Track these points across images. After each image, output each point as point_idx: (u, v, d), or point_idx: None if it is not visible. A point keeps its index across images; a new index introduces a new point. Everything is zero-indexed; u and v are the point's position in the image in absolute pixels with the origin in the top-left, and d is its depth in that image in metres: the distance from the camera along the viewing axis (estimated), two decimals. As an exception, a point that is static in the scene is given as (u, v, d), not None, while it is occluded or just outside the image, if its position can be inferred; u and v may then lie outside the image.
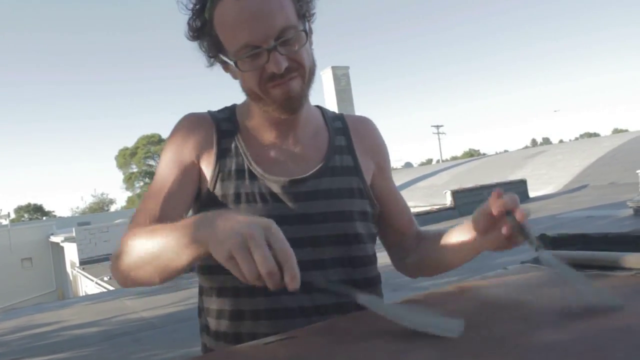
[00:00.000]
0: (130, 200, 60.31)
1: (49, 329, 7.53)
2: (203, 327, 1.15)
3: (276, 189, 1.05)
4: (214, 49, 1.02)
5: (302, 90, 1.01)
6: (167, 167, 1.07)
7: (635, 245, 1.08)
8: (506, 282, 1.04)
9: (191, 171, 1.07)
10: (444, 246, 1.09)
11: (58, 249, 29.53)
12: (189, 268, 0.87)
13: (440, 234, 1.12)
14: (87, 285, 18.04)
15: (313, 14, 1.04)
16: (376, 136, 1.24)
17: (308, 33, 1.01)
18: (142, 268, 0.91)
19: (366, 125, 1.24)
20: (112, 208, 64.25)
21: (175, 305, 7.83)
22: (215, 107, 1.15)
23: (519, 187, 16.99)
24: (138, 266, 0.91)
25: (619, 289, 0.88)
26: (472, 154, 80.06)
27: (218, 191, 1.05)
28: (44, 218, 57.75)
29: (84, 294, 17.37)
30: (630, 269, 0.97)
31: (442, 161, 52.59)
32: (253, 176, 1.06)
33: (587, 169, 20.20)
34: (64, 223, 38.10)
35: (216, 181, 1.05)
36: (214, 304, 1.09)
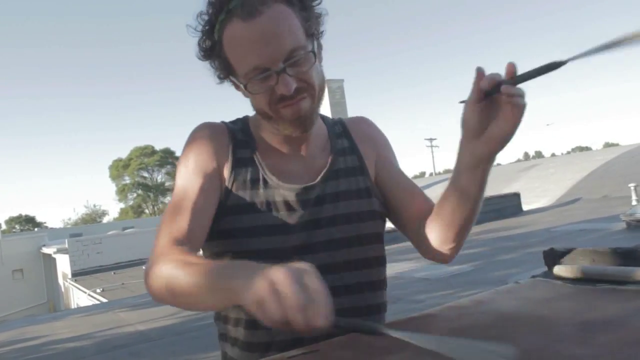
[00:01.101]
0: (123, 212, 60.06)
1: (42, 342, 7.47)
2: (221, 334, 1.16)
3: (290, 196, 1.07)
4: (224, 70, 1.04)
5: (311, 109, 1.03)
6: (189, 177, 1.06)
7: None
8: (519, 296, 1.05)
9: (214, 179, 1.07)
10: (449, 191, 1.04)
11: (50, 261, 29.31)
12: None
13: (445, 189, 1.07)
14: (80, 297, 17.90)
15: (322, 31, 1.06)
16: (373, 129, 1.26)
17: (317, 52, 1.02)
18: (178, 298, 0.91)
19: (363, 122, 1.26)
20: (105, 220, 63.86)
21: (171, 318, 7.79)
22: (209, 119, 1.16)
23: (513, 201, 17.08)
24: (174, 296, 0.91)
25: (629, 303, 0.90)
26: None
27: (232, 200, 1.06)
28: (36, 229, 57.30)
29: (76, 306, 17.23)
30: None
31: (436, 174, 52.72)
32: (268, 185, 1.07)
33: (579, 182, 20.32)
34: (55, 234, 37.84)
35: (230, 190, 1.07)
36: (231, 312, 1.10)
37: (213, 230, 1.06)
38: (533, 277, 1.20)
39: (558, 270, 1.16)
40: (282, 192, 1.07)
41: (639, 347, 0.68)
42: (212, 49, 1.02)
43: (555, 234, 10.81)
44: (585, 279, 1.09)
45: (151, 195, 56.33)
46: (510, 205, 16.84)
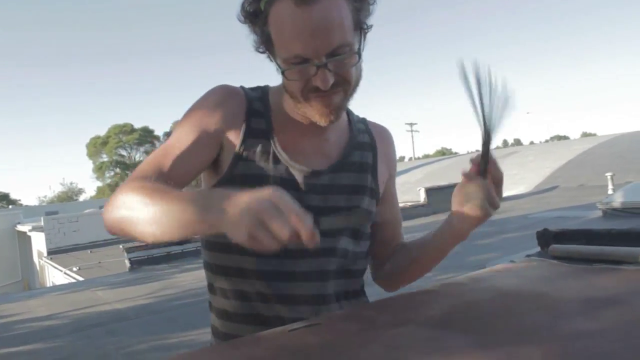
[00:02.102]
0: (100, 190, 59.38)
1: (17, 319, 7.38)
2: (213, 307, 1.14)
3: (298, 177, 1.06)
4: (264, 43, 1.01)
5: (342, 102, 1.01)
6: (187, 130, 1.05)
7: (637, 241, 1.11)
8: (517, 274, 1.06)
9: (212, 141, 1.05)
10: (424, 243, 1.14)
11: (25, 239, 28.89)
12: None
13: (420, 237, 1.17)
14: (55, 275, 17.72)
15: (370, 26, 1.02)
16: (394, 147, 1.28)
17: (361, 52, 1.00)
18: (138, 225, 0.89)
19: (387, 134, 1.27)
20: (82, 198, 63.12)
21: (149, 297, 7.74)
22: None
23: (491, 187, 17.18)
24: (135, 222, 0.89)
25: (629, 283, 0.90)
26: (444, 153, 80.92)
27: (240, 169, 1.04)
28: (10, 207, 56.40)
29: (51, 285, 17.06)
30: (638, 263, 1.00)
31: (415, 159, 53.00)
32: (277, 161, 1.05)
33: (557, 170, 20.61)
34: (31, 212, 37.25)
35: (239, 159, 1.04)
36: (222, 282, 1.09)
37: None
38: (528, 256, 1.21)
39: (554, 249, 1.16)
40: (292, 171, 1.06)
41: (645, 323, 0.68)
42: (255, 15, 0.98)
43: (532, 220, 10.96)
44: (581, 259, 1.09)
45: (129, 173, 55.58)
46: (488, 191, 16.94)
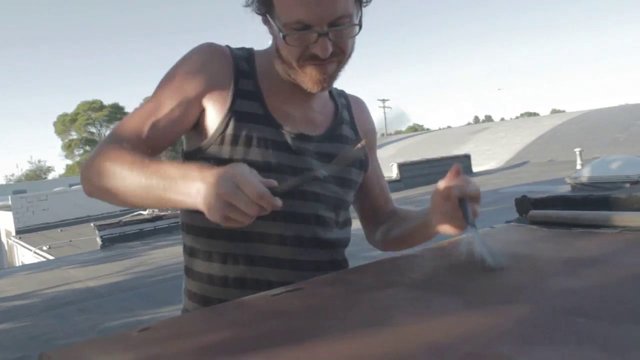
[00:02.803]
0: (70, 168, 58.31)
1: (-14, 299, 7.24)
2: (188, 270, 1.12)
3: (289, 140, 1.05)
4: (264, 6, 0.99)
5: (335, 73, 1.02)
6: (169, 93, 1.02)
7: (614, 206, 1.12)
8: (498, 239, 1.06)
9: (193, 104, 1.03)
10: (405, 226, 1.16)
11: (-9, 218, 28.29)
12: None
13: (409, 212, 1.19)
14: (25, 255, 17.41)
15: (370, 0, 1.02)
16: (369, 116, 1.30)
17: (360, 25, 1.00)
18: (117, 195, 0.94)
19: (363, 105, 1.29)
20: (50, 176, 61.88)
21: (122, 274, 7.67)
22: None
23: (463, 162, 17.42)
24: (114, 193, 0.94)
25: (607, 245, 0.91)
26: (416, 129, 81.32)
27: (230, 130, 1.02)
28: (-24, 185, 55.02)
29: (20, 264, 16.78)
30: (615, 227, 1.00)
31: (387, 134, 53.21)
32: (268, 122, 1.04)
33: (527, 146, 20.92)
34: (-3, 191, 36.45)
35: (229, 120, 1.02)
36: (205, 245, 1.07)
37: (205, 158, 1.02)
38: (507, 222, 1.21)
39: (533, 215, 1.16)
40: (282, 132, 1.05)
41: (628, 281, 0.69)
42: None
43: (503, 195, 11.12)
44: (560, 224, 1.10)
45: (99, 152, 54.44)
46: (461, 166, 17.18)
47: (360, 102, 1.28)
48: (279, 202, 0.81)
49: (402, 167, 16.10)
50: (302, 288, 0.80)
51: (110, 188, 0.94)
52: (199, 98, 1.03)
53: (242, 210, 0.80)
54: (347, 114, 1.21)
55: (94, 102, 52.05)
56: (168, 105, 1.01)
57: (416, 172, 15.98)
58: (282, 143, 1.04)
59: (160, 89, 1.03)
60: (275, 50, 1.03)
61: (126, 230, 12.30)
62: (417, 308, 0.66)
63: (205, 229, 1.05)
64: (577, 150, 14.50)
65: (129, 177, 0.91)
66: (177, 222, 13.28)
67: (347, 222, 1.17)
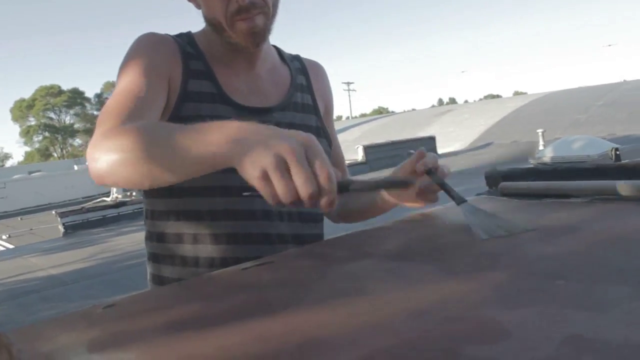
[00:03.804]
0: (29, 155, 56.79)
1: (-56, 289, 7.02)
2: (152, 254, 1.08)
3: (243, 116, 1.02)
4: None
5: (265, 25, 1.01)
6: (136, 74, 0.96)
7: (582, 177, 1.12)
8: (470, 209, 1.05)
9: (163, 82, 0.99)
10: (364, 197, 1.15)
11: (-53, 207, 27.37)
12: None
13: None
14: (-17, 244, 16.94)
15: None
16: (327, 81, 1.27)
17: None
18: (135, 169, 0.77)
19: (320, 69, 1.27)
20: (8, 163, 60.14)
21: (86, 261, 7.53)
22: (117, 57, 1.06)
23: (428, 144, 17.61)
24: (132, 163, 0.77)
25: (579, 213, 0.91)
26: (381, 112, 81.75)
27: (186, 111, 0.99)
28: None
29: (-21, 254, 16.30)
30: (586, 196, 1.01)
31: (352, 118, 53.30)
32: (222, 100, 1.03)
33: (491, 127, 21.26)
34: (-47, 179, 35.25)
35: (184, 101, 1.00)
36: (169, 228, 1.03)
37: None
38: (478, 194, 1.21)
39: (504, 187, 1.16)
40: (238, 110, 1.03)
41: (603, 245, 0.68)
42: None
43: (466, 175, 11.27)
44: (531, 195, 1.09)
45: (59, 137, 53.36)
46: (425, 148, 17.35)
47: (317, 66, 1.26)
48: (334, 206, 0.65)
49: (367, 149, 16.20)
50: (272, 261, 0.78)
51: (126, 163, 0.77)
52: (165, 76, 0.99)
53: (295, 181, 0.62)
54: (304, 79, 1.18)
55: (52, 87, 50.64)
56: (144, 83, 0.95)
57: (381, 154, 16.10)
58: (238, 120, 1.01)
59: (125, 77, 0.97)
60: (205, 20, 1.03)
61: (89, 217, 12.08)
62: (393, 277, 0.64)
63: (173, 212, 1.02)
64: (539, 131, 14.78)
65: (146, 140, 0.76)
66: (142, 208, 13.08)
67: None
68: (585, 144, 10.16)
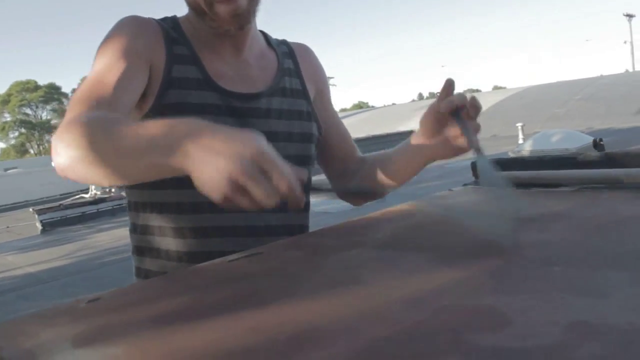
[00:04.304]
0: (4, 152, 55.80)
1: None
2: (137, 247, 1.05)
3: (234, 102, 0.99)
4: None
5: (249, 6, 0.96)
6: (113, 56, 0.93)
7: (568, 166, 1.12)
8: (459, 200, 1.05)
9: (143, 66, 0.95)
10: (388, 163, 1.10)
11: None
12: None
13: (383, 154, 1.14)
14: (-41, 242, 16.61)
15: None
16: (317, 62, 1.23)
17: None
18: (93, 166, 0.75)
19: (308, 50, 1.23)
20: (-17, 160, 59.03)
21: (65, 258, 7.42)
22: (94, 51, 0.99)
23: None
24: (89, 162, 0.75)
25: (567, 201, 0.91)
26: (361, 106, 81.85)
27: (170, 98, 0.95)
28: None
29: (-45, 252, 15.99)
30: (573, 185, 1.01)
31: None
32: (207, 86, 0.99)
33: (471, 122, 21.41)
34: None
35: (168, 87, 0.96)
36: (154, 220, 1.00)
37: None
38: (465, 185, 1.20)
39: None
40: (225, 95, 0.99)
41: (595, 232, 0.68)
42: None
43: (448, 170, 11.34)
44: (518, 184, 1.09)
45: (36, 133, 52.49)
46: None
47: (305, 49, 1.22)
48: (301, 205, 0.65)
49: (349, 144, 16.23)
50: (261, 253, 0.76)
51: (84, 157, 0.75)
52: (145, 60, 0.95)
53: (256, 197, 0.62)
54: (291, 63, 1.15)
55: (27, 82, 49.80)
56: (120, 67, 0.91)
57: (362, 149, 15.77)
58: (225, 107, 0.99)
59: (101, 59, 0.94)
60: (186, 4, 0.98)
61: (67, 214, 11.90)
62: (386, 266, 0.63)
63: (156, 204, 0.99)
64: (518, 125, 14.93)
65: (104, 139, 0.74)
66: (121, 204, 12.93)
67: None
68: (564, 137, 10.28)
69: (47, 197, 18.60)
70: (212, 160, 0.62)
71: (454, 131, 0.92)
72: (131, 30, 0.97)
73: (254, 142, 0.63)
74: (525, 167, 1.19)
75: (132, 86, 0.92)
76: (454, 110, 0.88)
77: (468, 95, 0.90)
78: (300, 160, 1.07)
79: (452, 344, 0.38)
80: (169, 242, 0.99)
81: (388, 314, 0.46)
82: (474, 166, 1.29)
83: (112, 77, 0.89)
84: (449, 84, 0.90)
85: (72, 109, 0.85)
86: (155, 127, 0.70)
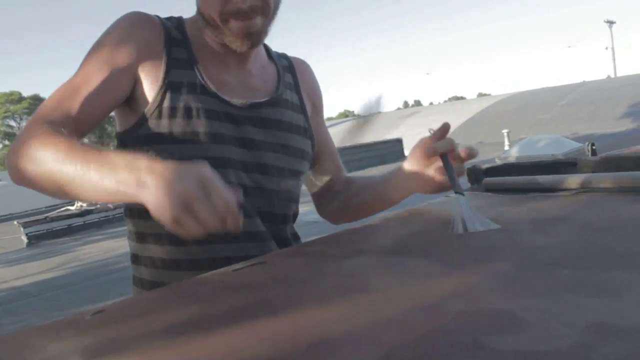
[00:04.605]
0: (-12, 165, 55.18)
1: None
2: (132, 255, 1.05)
3: (231, 109, 0.99)
4: None
5: (263, 27, 0.97)
6: (96, 65, 0.93)
7: (563, 171, 1.13)
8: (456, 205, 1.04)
9: (125, 77, 0.95)
10: (374, 188, 1.12)
11: None
12: None
13: (369, 178, 1.17)
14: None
15: None
16: (314, 78, 1.25)
17: None
18: (49, 184, 0.83)
19: (306, 66, 1.24)
20: (-34, 174, 58.35)
21: (51, 271, 7.33)
22: (79, 62, 1.00)
23: (395, 146, 17.78)
24: (45, 180, 0.82)
25: (565, 206, 0.91)
26: (346, 115, 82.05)
27: (167, 103, 0.95)
28: None
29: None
30: (570, 190, 1.01)
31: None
32: (206, 92, 0.98)
33: (457, 129, 21.57)
34: None
35: (165, 91, 0.95)
36: (150, 228, 0.99)
37: (141, 135, 0.95)
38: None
39: (488, 182, 1.16)
40: (222, 102, 0.99)
41: (599, 235, 0.68)
42: None
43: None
44: (516, 190, 1.10)
45: (20, 146, 51.90)
46: (393, 150, 17.51)
47: (304, 64, 1.23)
48: (241, 221, 0.72)
49: (336, 152, 16.26)
50: (264, 262, 0.75)
51: (41, 174, 0.82)
52: (131, 67, 0.95)
53: (200, 218, 0.69)
54: (291, 77, 1.15)
55: (11, 93, 49.36)
56: (98, 77, 0.92)
57: (349, 157, 16.17)
58: (223, 113, 0.98)
59: (86, 62, 0.95)
60: (198, 11, 0.98)
61: (54, 226, 11.77)
62: (393, 272, 0.62)
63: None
64: (504, 131, 15.07)
65: (63, 162, 0.79)
66: (108, 216, 12.82)
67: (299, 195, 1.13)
68: (549, 143, 10.39)
69: (32, 210, 18.39)
70: (164, 185, 0.69)
71: (439, 169, 0.96)
72: (129, 29, 0.97)
73: (200, 167, 0.71)
74: (520, 173, 1.20)
75: (108, 98, 0.94)
76: (441, 154, 0.93)
77: (468, 146, 0.95)
78: (293, 174, 1.08)
79: (475, 349, 0.38)
80: (166, 250, 0.98)
81: (405, 320, 0.46)
82: (469, 172, 1.29)
83: (89, 87, 0.91)
84: (445, 129, 0.96)
85: (37, 120, 0.89)
86: (117, 158, 0.77)
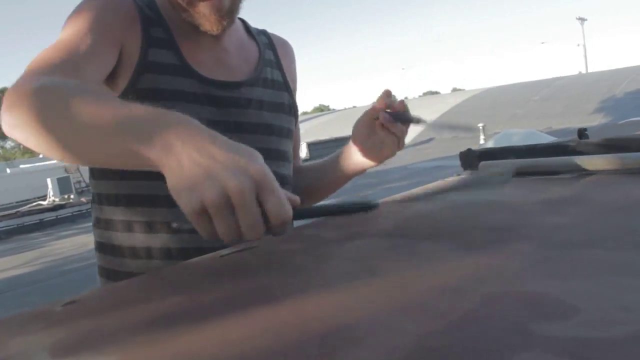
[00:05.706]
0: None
1: None
2: (98, 244, 0.97)
3: (213, 90, 0.93)
4: None
5: (232, 7, 0.91)
6: (84, 27, 0.83)
7: (561, 154, 1.09)
8: (458, 187, 0.99)
9: (115, 42, 0.86)
10: (321, 172, 1.11)
11: None
12: None
13: (314, 164, 1.16)
14: None
15: None
16: (294, 59, 1.19)
17: None
18: (49, 136, 0.65)
19: (288, 47, 1.18)
20: None
21: (23, 267, 7.14)
22: None
23: (373, 140, 17.79)
24: (44, 131, 0.64)
25: (571, 188, 0.87)
26: (322, 109, 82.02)
27: (145, 83, 0.88)
28: None
29: None
30: (572, 172, 0.97)
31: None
32: (186, 73, 0.92)
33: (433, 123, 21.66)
34: None
35: (143, 72, 0.88)
36: (119, 215, 0.92)
37: None
38: (458, 175, 1.16)
39: (485, 166, 1.11)
40: (204, 84, 0.93)
41: (614, 216, 0.63)
42: None
43: (412, 170, 11.44)
44: (518, 173, 1.05)
45: (-11, 140, 50.85)
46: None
47: (286, 44, 1.17)
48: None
49: (311, 146, 16.24)
50: (256, 246, 0.69)
51: (40, 122, 0.64)
52: (117, 37, 0.87)
53: (241, 226, 0.54)
54: (272, 54, 1.10)
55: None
56: (89, 38, 0.82)
57: (326, 151, 16.02)
58: (205, 95, 0.92)
59: (70, 28, 0.85)
60: None
61: (25, 221, 11.53)
62: (403, 255, 0.56)
63: (125, 196, 0.91)
64: (480, 125, 15.16)
65: (70, 110, 0.62)
66: (81, 211, 12.56)
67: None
68: (525, 137, 10.49)
69: (3, 205, 17.96)
70: (210, 170, 0.53)
71: (380, 137, 0.94)
72: (104, 5, 0.88)
73: (259, 160, 0.56)
74: (515, 156, 1.15)
75: (101, 61, 0.83)
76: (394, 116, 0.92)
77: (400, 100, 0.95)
78: (279, 155, 1.02)
79: (522, 336, 0.32)
80: (137, 239, 0.91)
81: (427, 306, 0.40)
82: (462, 157, 1.24)
83: (81, 45, 0.81)
84: (387, 94, 0.93)
85: (30, 68, 0.76)
86: (137, 108, 0.61)
